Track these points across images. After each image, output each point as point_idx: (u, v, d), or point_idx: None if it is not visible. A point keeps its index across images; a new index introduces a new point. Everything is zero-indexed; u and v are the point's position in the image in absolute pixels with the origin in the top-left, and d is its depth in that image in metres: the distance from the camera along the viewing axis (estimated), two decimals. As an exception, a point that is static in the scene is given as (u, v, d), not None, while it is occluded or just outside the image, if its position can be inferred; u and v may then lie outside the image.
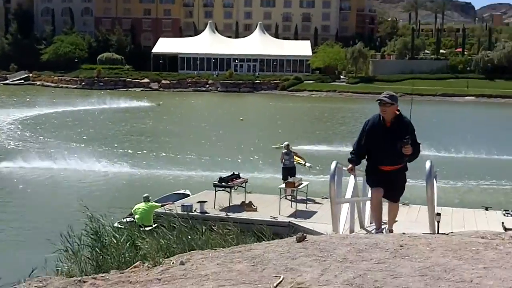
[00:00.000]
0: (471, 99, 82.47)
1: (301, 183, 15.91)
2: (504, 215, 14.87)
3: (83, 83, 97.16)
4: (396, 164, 7.14)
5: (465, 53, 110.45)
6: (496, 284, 3.86)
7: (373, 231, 7.44)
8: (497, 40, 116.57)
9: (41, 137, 36.67)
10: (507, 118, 60.64)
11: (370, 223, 11.38)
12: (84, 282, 4.40)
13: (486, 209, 15.57)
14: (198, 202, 14.96)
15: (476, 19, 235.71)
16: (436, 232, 8.11)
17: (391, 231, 7.39)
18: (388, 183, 7.28)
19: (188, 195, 17.25)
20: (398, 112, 7.14)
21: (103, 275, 4.78)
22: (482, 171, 26.31)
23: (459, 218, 14.24)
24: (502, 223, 13.44)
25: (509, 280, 3.94)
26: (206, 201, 15.03)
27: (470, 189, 22.19)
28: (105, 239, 6.90)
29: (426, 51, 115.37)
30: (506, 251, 4.87)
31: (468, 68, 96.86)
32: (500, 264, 4.40)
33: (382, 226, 7.53)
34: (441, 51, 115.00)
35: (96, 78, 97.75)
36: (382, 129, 7.08)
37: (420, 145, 7.12)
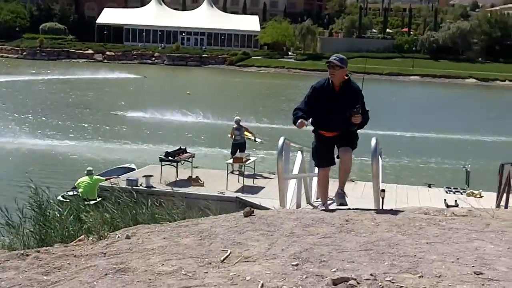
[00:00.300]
0: (417, 79, 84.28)
1: (249, 159, 15.91)
2: (446, 192, 15.33)
3: (25, 53, 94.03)
4: (342, 131, 6.64)
5: (411, 33, 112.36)
6: (438, 258, 3.96)
7: (319, 207, 7.34)
8: (443, 21, 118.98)
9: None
10: (450, 97, 62.31)
11: (317, 199, 11.51)
12: (27, 255, 4.28)
13: (429, 186, 16.01)
14: (143, 176, 14.80)
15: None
16: (381, 207, 8.26)
17: (342, 192, 6.91)
18: (332, 145, 6.84)
19: (134, 169, 17.04)
20: (347, 77, 6.86)
21: (47, 248, 4.67)
22: (425, 149, 27.03)
23: (403, 194, 14.60)
24: (444, 200, 13.85)
25: (451, 255, 4.05)
26: (152, 176, 14.88)
27: (413, 167, 22.74)
28: (49, 213, 6.74)
29: (373, 30, 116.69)
30: (448, 227, 5.01)
31: (414, 48, 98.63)
32: (443, 240, 4.52)
33: (329, 202, 7.53)
34: (388, 30, 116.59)
35: (38, 48, 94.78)
36: (329, 92, 6.69)
37: (369, 112, 6.76)
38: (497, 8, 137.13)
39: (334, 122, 6.62)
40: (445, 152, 26.56)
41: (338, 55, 7.00)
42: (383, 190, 10.00)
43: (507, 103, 58.98)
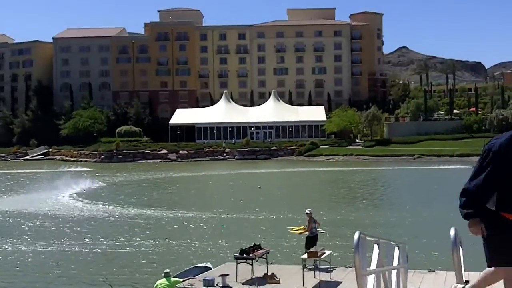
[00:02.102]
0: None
1: (324, 252, 15.73)
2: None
3: (102, 156, 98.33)
4: None
5: (479, 112, 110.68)
6: None
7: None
8: (510, 98, 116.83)
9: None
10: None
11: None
12: None
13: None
14: (220, 275, 14.80)
15: (487, 78, 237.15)
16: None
17: None
18: None
19: (210, 268, 17.04)
20: None
21: None
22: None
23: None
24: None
25: None
26: (228, 274, 14.86)
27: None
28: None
29: (440, 112, 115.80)
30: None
31: (483, 127, 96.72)
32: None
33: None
34: (455, 111, 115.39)
35: (115, 150, 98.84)
36: None
37: None
38: None
39: None
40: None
41: None
42: (467, 282, 9.64)
43: None
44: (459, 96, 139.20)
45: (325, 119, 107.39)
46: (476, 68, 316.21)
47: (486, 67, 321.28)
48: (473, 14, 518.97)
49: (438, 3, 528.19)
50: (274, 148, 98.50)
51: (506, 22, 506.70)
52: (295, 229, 18.43)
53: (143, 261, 21.74)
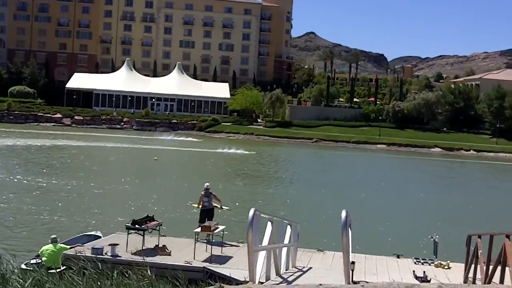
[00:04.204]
0: (383, 147, 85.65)
1: (217, 227, 15.71)
2: (415, 263, 15.28)
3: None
4: None
5: (378, 102, 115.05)
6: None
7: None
8: (408, 91, 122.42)
9: None
10: (416, 165, 63.28)
11: (286, 270, 11.39)
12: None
13: (398, 256, 15.95)
14: (109, 244, 14.43)
15: (388, 70, 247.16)
16: (351, 280, 8.19)
17: None
18: None
19: (99, 237, 16.65)
20: None
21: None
22: (395, 219, 27.15)
23: (372, 265, 14.50)
24: (413, 271, 13.78)
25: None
26: (118, 244, 14.52)
27: (382, 236, 22.74)
28: (11, 283, 6.53)
29: (341, 99, 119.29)
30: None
31: (380, 117, 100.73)
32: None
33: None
34: (355, 99, 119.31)
35: (6, 111, 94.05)
36: None
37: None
38: (461, 79, 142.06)
39: None
40: (414, 221, 26.72)
41: None
42: (353, 263, 9.93)
43: (470, 172, 60.11)
44: (360, 86, 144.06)
45: (229, 96, 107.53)
46: (378, 60, 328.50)
47: (388, 60, 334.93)
48: (379, 8, 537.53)
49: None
50: (174, 121, 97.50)
51: (409, 18, 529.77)
52: (197, 204, 18.33)
53: (31, 228, 20.79)
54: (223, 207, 18.40)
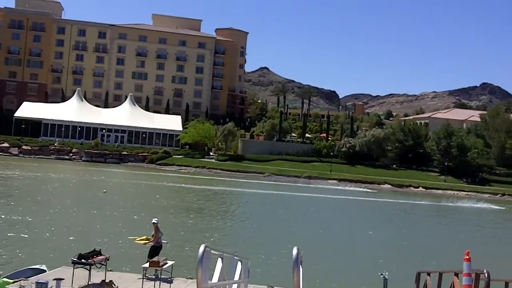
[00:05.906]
0: (334, 182, 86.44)
1: (166, 263, 15.37)
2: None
3: None
4: None
5: (329, 138, 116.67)
6: None
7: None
8: (359, 128, 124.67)
9: None
10: (367, 204, 63.94)
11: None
12: None
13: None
14: (54, 279, 13.91)
15: (340, 107, 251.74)
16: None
17: None
18: None
19: (44, 271, 16.09)
20: None
21: None
22: (347, 255, 27.20)
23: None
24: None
25: None
26: (63, 279, 14.01)
27: (333, 272, 22.71)
28: None
29: (293, 134, 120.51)
30: None
31: (331, 153, 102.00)
32: None
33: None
34: (307, 135, 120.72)
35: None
36: None
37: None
38: (410, 118, 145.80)
39: None
40: (364, 258, 26.82)
41: None
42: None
43: (419, 209, 61.18)
44: (312, 121, 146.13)
45: (181, 129, 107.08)
46: (330, 96, 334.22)
47: (340, 97, 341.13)
48: (330, 45, 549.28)
49: (301, 30, 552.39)
50: (124, 153, 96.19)
51: (361, 56, 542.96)
52: (138, 239, 17.75)
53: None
54: (163, 241, 17.96)
